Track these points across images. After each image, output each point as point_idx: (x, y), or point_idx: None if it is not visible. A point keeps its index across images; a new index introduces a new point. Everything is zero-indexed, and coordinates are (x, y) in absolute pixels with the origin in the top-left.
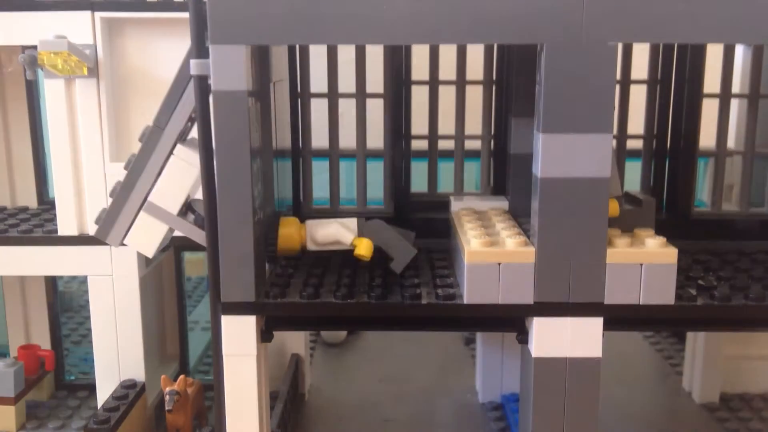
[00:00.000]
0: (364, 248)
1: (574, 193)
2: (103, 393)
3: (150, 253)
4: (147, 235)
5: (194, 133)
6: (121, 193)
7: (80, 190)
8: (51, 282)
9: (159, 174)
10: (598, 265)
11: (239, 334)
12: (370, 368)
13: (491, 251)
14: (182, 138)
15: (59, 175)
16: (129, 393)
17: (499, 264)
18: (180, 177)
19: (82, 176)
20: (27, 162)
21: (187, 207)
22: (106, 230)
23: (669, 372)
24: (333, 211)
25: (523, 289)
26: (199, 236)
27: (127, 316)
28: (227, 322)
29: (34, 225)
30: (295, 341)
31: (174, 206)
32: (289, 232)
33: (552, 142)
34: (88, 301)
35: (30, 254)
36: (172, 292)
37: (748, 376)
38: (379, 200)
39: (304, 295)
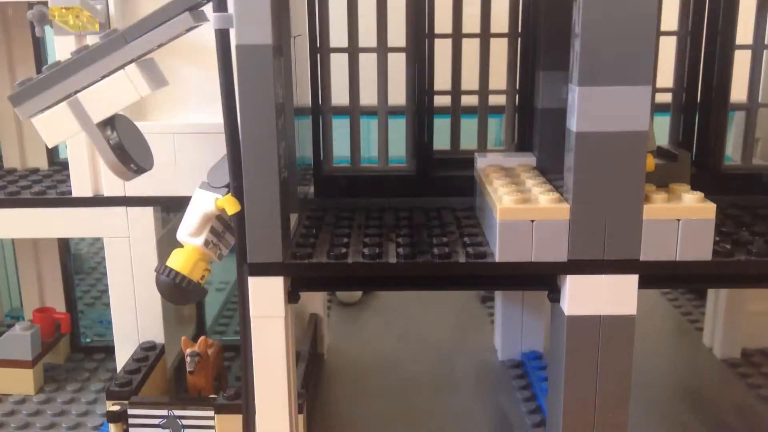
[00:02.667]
0: (230, 205)
1: (612, 147)
2: (122, 355)
3: (50, 143)
4: (57, 126)
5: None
6: (55, 75)
7: (94, 150)
8: (64, 244)
9: (100, 79)
10: (635, 221)
11: (267, 295)
12: (386, 327)
13: (524, 208)
14: (139, 58)
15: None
16: (149, 355)
17: (533, 221)
18: (119, 94)
19: None
20: None
21: (109, 122)
22: (22, 99)
23: (688, 328)
24: (354, 169)
25: (556, 247)
26: (107, 155)
27: (144, 277)
28: (254, 283)
29: (46, 186)
30: (313, 301)
31: (98, 115)
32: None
33: (589, 96)
34: (98, 263)
35: (44, 216)
36: None
37: None
38: (402, 158)
39: (331, 255)
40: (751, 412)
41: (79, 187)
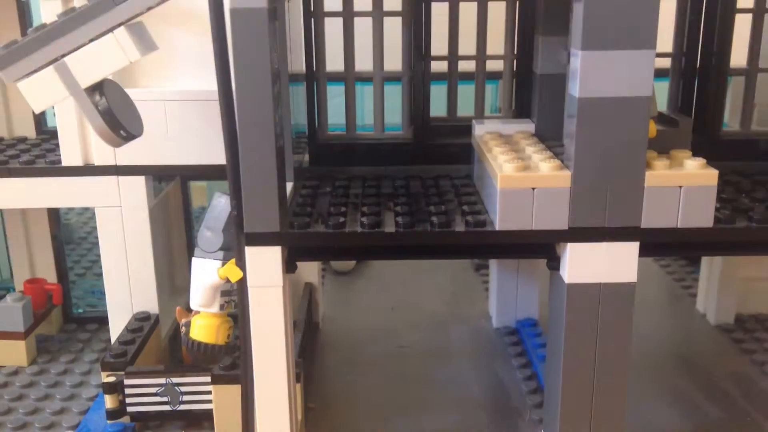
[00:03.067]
0: (233, 274)
1: (614, 113)
2: (116, 326)
3: (37, 108)
4: (43, 91)
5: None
6: (41, 38)
7: (84, 118)
8: (54, 215)
9: (88, 43)
10: (637, 188)
11: (264, 265)
12: (380, 296)
13: (525, 176)
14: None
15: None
16: (143, 325)
17: (533, 189)
18: (107, 58)
19: None
20: None
21: (98, 87)
22: (6, 63)
23: (682, 294)
24: (350, 137)
25: (557, 215)
26: (96, 120)
27: (137, 247)
28: (252, 253)
29: (35, 156)
30: (308, 270)
31: (85, 80)
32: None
33: (592, 60)
34: (88, 233)
35: (33, 187)
36: (179, 222)
37: (764, 296)
38: (398, 125)
39: (330, 224)
40: (745, 378)
41: (69, 156)
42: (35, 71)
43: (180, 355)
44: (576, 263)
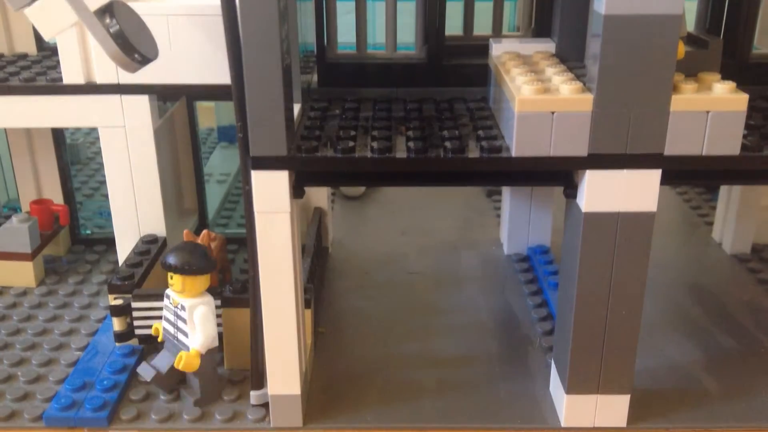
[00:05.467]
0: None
1: (642, 32)
2: (123, 248)
3: (47, 35)
4: (52, 17)
5: None
6: None
7: (84, 33)
8: (59, 135)
9: None
10: (662, 112)
11: (271, 190)
12: (390, 221)
13: (544, 99)
14: None
15: None
16: (151, 248)
17: (553, 113)
18: None
19: None
20: None
21: (108, 9)
22: None
23: (698, 222)
24: (360, 56)
25: (577, 140)
26: (108, 44)
27: (142, 169)
28: (258, 177)
29: (36, 73)
30: (317, 195)
31: (94, 1)
32: None
33: None
34: (96, 153)
35: (34, 105)
36: (185, 144)
37: None
38: (411, 45)
39: (338, 149)
40: (759, 308)
41: (70, 74)
42: None
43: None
44: (594, 191)
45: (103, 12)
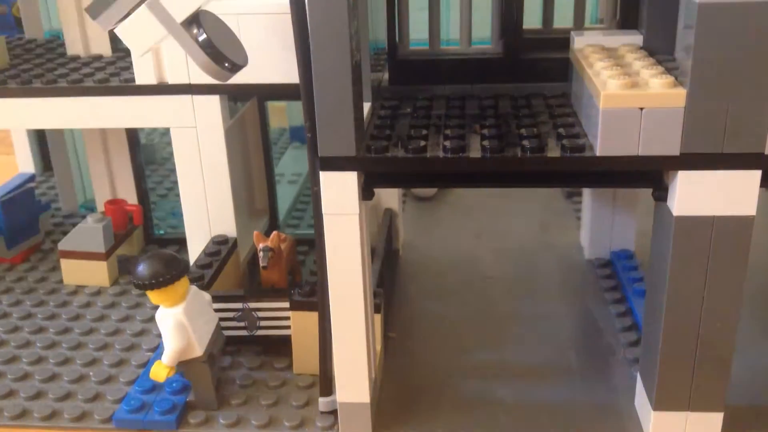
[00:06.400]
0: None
1: (740, 21)
2: (194, 249)
3: (138, 52)
4: (141, 33)
5: None
6: None
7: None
8: (133, 135)
9: None
10: (762, 108)
11: (340, 191)
12: (464, 223)
13: (632, 94)
14: None
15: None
16: (221, 249)
17: (641, 109)
18: None
19: None
20: None
21: (195, 19)
22: (99, 10)
23: None
24: (433, 52)
25: (668, 139)
26: (198, 55)
27: (213, 169)
28: (327, 178)
29: (110, 74)
30: (388, 195)
31: (180, 14)
32: None
33: None
34: (171, 154)
35: (108, 105)
36: (257, 144)
37: None
38: (486, 39)
39: (409, 149)
40: None
41: (143, 75)
42: (129, 14)
43: (259, 280)
44: (687, 194)
45: (190, 23)
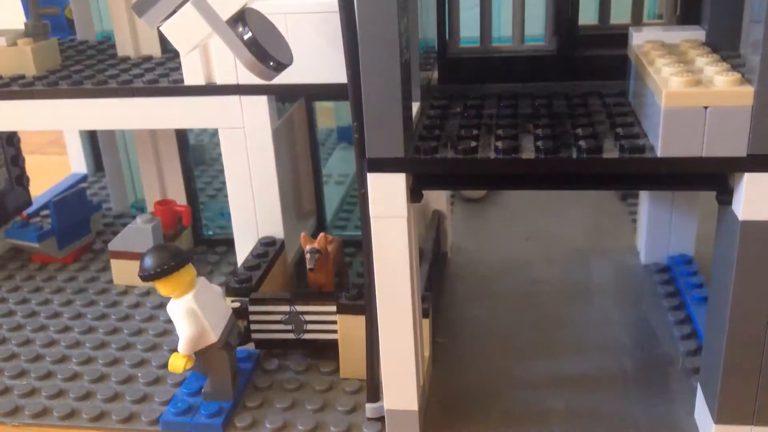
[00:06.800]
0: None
1: None
2: (242, 250)
3: (184, 49)
4: (187, 30)
5: None
6: None
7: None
8: (182, 136)
9: None
10: None
11: (388, 193)
12: (514, 225)
13: (696, 92)
14: None
15: None
16: (269, 251)
17: (706, 108)
18: None
19: None
20: None
21: (240, 17)
22: (145, 7)
23: None
24: (484, 50)
25: (734, 139)
26: (243, 53)
27: (261, 170)
28: (374, 180)
29: (159, 75)
30: (436, 197)
31: (226, 11)
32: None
33: None
34: (220, 154)
35: (157, 106)
36: (304, 144)
37: None
38: (539, 36)
39: (459, 149)
40: None
41: (191, 76)
42: (174, 11)
43: (305, 282)
44: (754, 197)
45: (236, 21)
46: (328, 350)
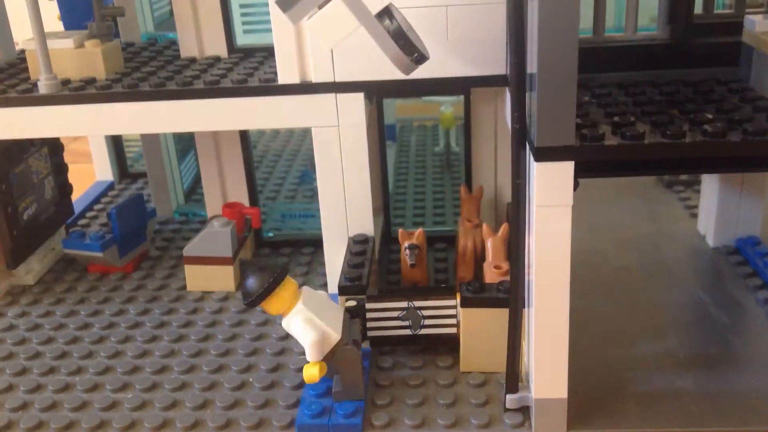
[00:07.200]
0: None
1: None
2: (331, 249)
3: (327, 45)
4: (333, 26)
5: None
6: None
7: (301, 32)
8: (245, 137)
9: None
10: None
11: (555, 182)
12: (573, 215)
13: None
14: None
15: (278, 16)
16: (366, 248)
17: None
18: None
19: None
20: (213, 9)
21: (386, 11)
22: (290, 3)
23: None
24: (597, 40)
25: None
26: (390, 47)
27: (354, 168)
28: (542, 169)
29: (246, 74)
30: (509, 191)
31: (375, 4)
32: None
33: None
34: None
35: (247, 106)
36: (374, 141)
37: None
38: (651, 26)
39: (627, 135)
40: None
41: (286, 74)
42: (322, 6)
43: (390, 278)
44: None
45: (381, 15)
46: (439, 345)
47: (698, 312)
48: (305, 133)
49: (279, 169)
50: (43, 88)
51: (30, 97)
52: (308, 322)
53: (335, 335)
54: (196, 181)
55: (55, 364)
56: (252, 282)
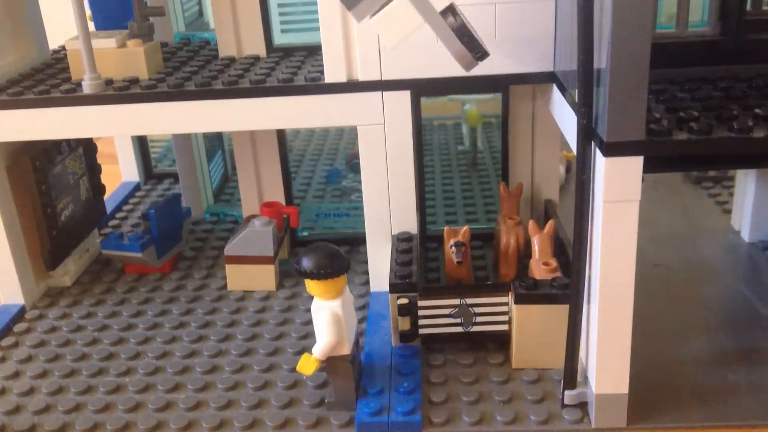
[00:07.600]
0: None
1: None
2: (374, 247)
3: (391, 42)
4: (397, 23)
5: None
6: None
7: (349, 31)
8: (282, 136)
9: None
10: None
11: (623, 178)
12: None
13: None
14: None
15: (326, 15)
16: (411, 246)
17: None
18: None
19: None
20: (252, 9)
21: (450, 8)
22: (355, 1)
23: None
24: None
25: None
26: (454, 44)
27: (400, 166)
28: (611, 165)
29: (291, 73)
30: (546, 185)
31: (439, 2)
32: None
33: None
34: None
35: (293, 105)
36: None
37: None
38: (700, 23)
39: (695, 130)
40: None
41: (333, 73)
42: (387, 3)
43: (430, 276)
44: None
45: (445, 12)
46: (488, 342)
47: (742, 307)
48: (326, 132)
49: (304, 169)
50: (87, 88)
51: (74, 97)
52: (336, 321)
53: (347, 348)
54: (224, 181)
55: (104, 366)
56: (318, 258)
